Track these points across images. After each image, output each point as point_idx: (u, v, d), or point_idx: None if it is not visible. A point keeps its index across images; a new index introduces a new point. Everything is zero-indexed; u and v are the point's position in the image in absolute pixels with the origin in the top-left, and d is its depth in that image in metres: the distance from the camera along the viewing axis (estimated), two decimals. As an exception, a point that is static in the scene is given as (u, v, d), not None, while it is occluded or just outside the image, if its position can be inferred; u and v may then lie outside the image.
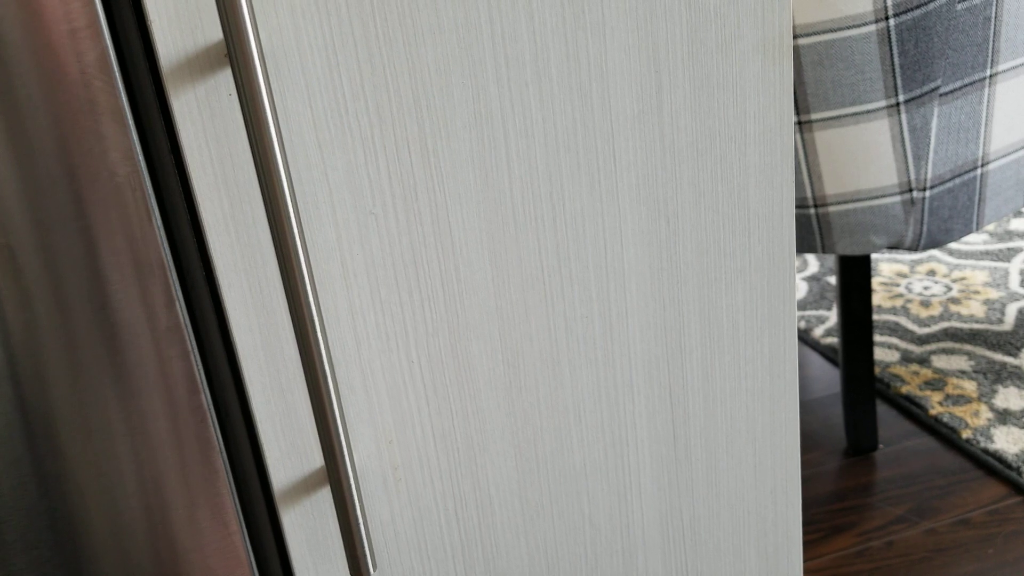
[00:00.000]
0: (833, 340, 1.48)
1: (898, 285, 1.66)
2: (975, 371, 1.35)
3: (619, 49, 0.51)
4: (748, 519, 0.64)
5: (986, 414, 1.24)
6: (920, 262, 1.74)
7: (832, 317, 1.56)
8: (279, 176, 0.44)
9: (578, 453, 0.58)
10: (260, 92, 0.43)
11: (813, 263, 1.79)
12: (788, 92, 0.54)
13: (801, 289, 1.69)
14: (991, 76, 1.00)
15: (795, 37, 0.95)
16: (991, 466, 1.16)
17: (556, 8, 0.49)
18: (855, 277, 1.15)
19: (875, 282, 1.67)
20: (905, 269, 1.72)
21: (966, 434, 1.21)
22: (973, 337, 1.45)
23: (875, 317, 1.55)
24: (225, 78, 0.45)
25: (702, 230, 0.56)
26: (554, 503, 0.58)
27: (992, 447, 1.18)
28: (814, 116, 0.99)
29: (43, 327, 0.45)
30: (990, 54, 0.98)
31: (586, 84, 0.51)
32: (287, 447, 0.52)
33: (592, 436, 0.58)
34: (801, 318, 1.58)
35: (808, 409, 1.34)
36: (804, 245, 1.08)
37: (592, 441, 0.58)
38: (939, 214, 1.04)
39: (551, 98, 0.50)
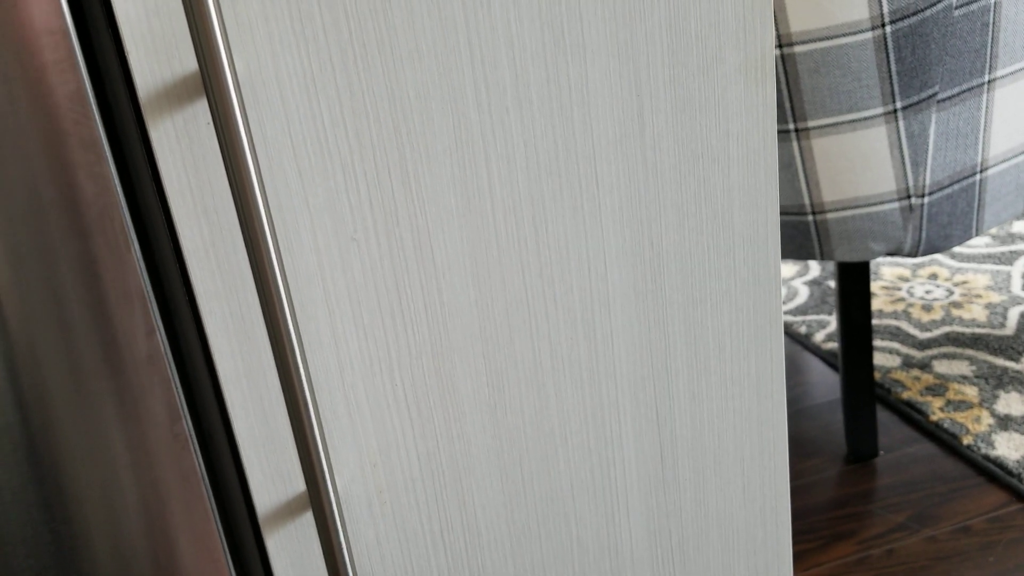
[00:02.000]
0: (834, 345, 1.48)
1: (899, 289, 1.65)
2: (976, 376, 1.35)
3: (600, 73, 0.50)
4: (737, 539, 0.63)
5: (987, 420, 1.24)
6: (922, 266, 1.73)
7: (833, 322, 1.55)
8: (256, 203, 0.44)
9: (565, 475, 0.58)
10: (236, 121, 0.43)
11: (814, 267, 1.79)
12: (771, 113, 0.54)
13: (802, 294, 1.69)
14: (989, 82, 0.99)
15: (791, 44, 0.94)
16: (992, 473, 1.15)
17: (536, 33, 0.49)
18: (854, 283, 1.14)
19: (876, 286, 1.67)
20: (907, 273, 1.71)
21: (967, 440, 1.21)
22: (975, 341, 1.45)
23: (876, 321, 1.55)
24: (203, 107, 0.45)
25: (686, 252, 0.55)
26: (541, 525, 0.58)
27: (993, 453, 1.17)
28: (811, 123, 0.98)
29: (19, 358, 0.45)
30: (988, 60, 0.98)
31: (567, 108, 0.50)
32: (271, 472, 0.52)
33: (579, 457, 0.58)
34: (802, 323, 1.57)
35: (808, 415, 1.34)
36: (802, 252, 1.08)
37: (579, 462, 0.58)
38: (938, 220, 1.03)
39: (532, 122, 0.50)
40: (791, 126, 0.99)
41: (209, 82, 0.42)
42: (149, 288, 0.46)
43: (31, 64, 0.41)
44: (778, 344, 0.59)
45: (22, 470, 0.47)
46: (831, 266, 1.78)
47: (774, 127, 0.54)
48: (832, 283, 1.71)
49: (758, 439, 0.61)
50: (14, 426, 0.46)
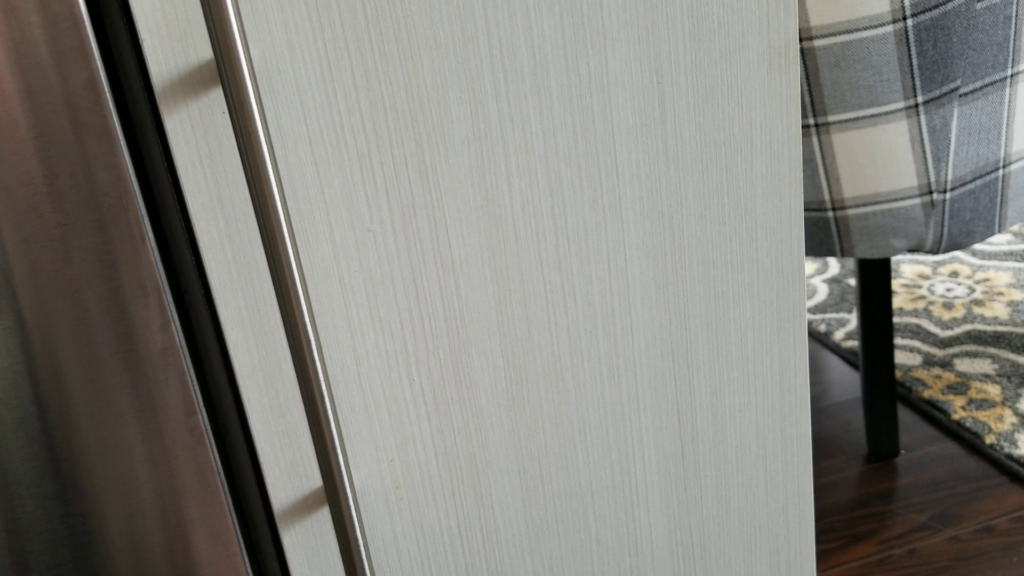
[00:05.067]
0: (854, 343, 1.46)
1: (920, 287, 1.64)
2: (999, 375, 1.33)
3: (620, 60, 0.50)
4: (760, 536, 0.62)
5: (1010, 419, 1.22)
6: (943, 263, 1.71)
7: (853, 320, 1.54)
8: (272, 194, 0.43)
9: (584, 471, 0.57)
10: (251, 110, 0.42)
11: (833, 265, 1.77)
12: (795, 101, 0.53)
13: (821, 291, 1.67)
14: (1012, 75, 0.98)
15: (811, 38, 0.93)
16: (1015, 472, 1.14)
17: (555, 20, 0.48)
18: (875, 280, 1.13)
19: (897, 284, 1.65)
20: (927, 270, 1.69)
21: (990, 439, 1.19)
22: (997, 340, 1.43)
23: (896, 319, 1.53)
24: (218, 96, 0.45)
25: (708, 243, 0.54)
26: (560, 521, 0.57)
27: (1016, 452, 1.16)
28: (831, 118, 0.97)
29: (34, 350, 0.44)
30: (1011, 53, 0.96)
31: (587, 96, 0.50)
32: (287, 467, 0.51)
33: (598, 453, 0.57)
34: (821, 321, 1.56)
35: (828, 414, 1.32)
36: (822, 249, 1.06)
37: (598, 458, 0.57)
38: (960, 216, 1.02)
39: (551, 111, 0.49)
40: (811, 121, 0.98)
41: (224, 71, 0.41)
42: (164, 280, 0.46)
43: (44, 52, 0.41)
44: (802, 337, 0.58)
45: (38, 464, 0.46)
46: (851, 263, 1.76)
47: (798, 115, 0.53)
48: (852, 281, 1.69)
49: (781, 435, 0.60)
50: (30, 419, 0.45)
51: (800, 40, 0.94)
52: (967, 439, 1.21)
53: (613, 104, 0.50)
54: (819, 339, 1.52)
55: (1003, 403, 1.26)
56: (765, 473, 0.61)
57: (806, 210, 1.05)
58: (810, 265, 1.79)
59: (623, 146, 0.51)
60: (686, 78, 0.51)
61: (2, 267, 0.43)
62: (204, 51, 0.44)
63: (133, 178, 0.44)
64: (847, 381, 1.40)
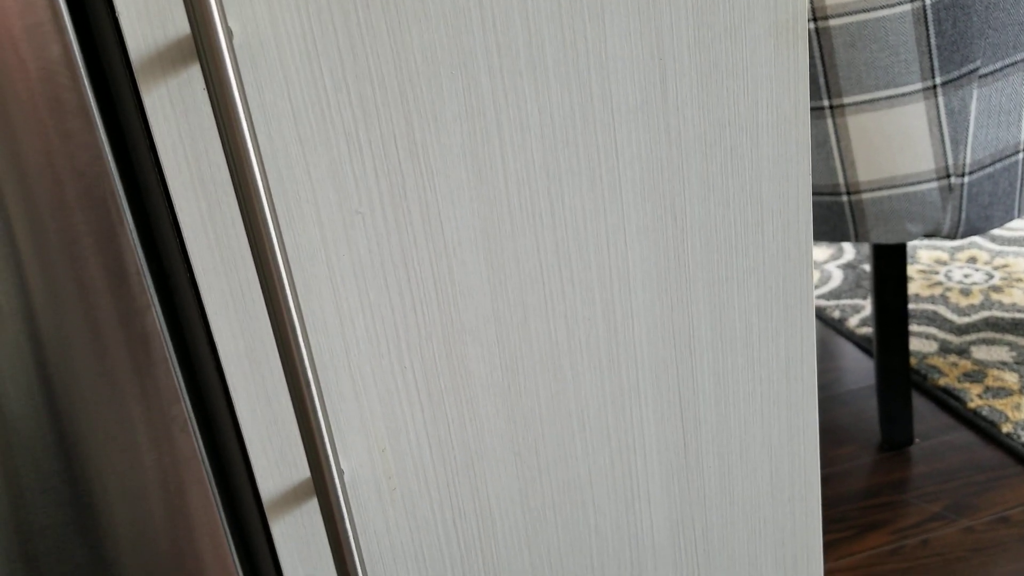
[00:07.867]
0: (868, 330, 1.44)
1: (937, 273, 1.61)
2: (1017, 362, 1.31)
3: (619, 35, 0.47)
4: (765, 528, 0.61)
5: (1028, 407, 1.20)
6: (960, 249, 1.68)
7: (867, 306, 1.51)
8: (253, 174, 0.41)
9: (582, 461, 0.55)
10: (230, 86, 0.40)
11: (848, 250, 1.75)
12: (804, 78, 0.50)
13: (836, 277, 1.65)
14: (1034, 55, 0.95)
15: (827, 18, 0.91)
16: (1033, 462, 1.12)
17: (551, -8, 0.46)
18: (890, 267, 1.11)
19: (913, 270, 1.62)
20: (944, 256, 1.66)
21: (1006, 428, 1.17)
22: (1015, 327, 1.40)
23: (912, 306, 1.50)
24: (198, 72, 0.43)
25: (711, 227, 0.52)
26: (558, 512, 0.56)
27: (1034, 442, 1.14)
28: (846, 100, 0.95)
29: (6, 335, 0.43)
30: (1033, 32, 0.94)
31: (584, 73, 0.48)
32: (275, 456, 0.50)
33: (597, 443, 0.55)
34: (835, 308, 1.53)
35: (841, 402, 1.30)
36: (837, 233, 1.04)
37: (597, 448, 0.55)
38: (978, 200, 1.00)
39: (547, 89, 0.47)
40: (825, 103, 0.96)
41: (202, 45, 0.40)
42: (144, 263, 0.44)
43: (14, 26, 0.39)
44: (809, 324, 0.56)
45: (16, 452, 0.45)
46: (866, 249, 1.74)
47: (806, 93, 0.50)
48: (867, 266, 1.66)
49: (787, 425, 0.58)
50: (11, 406, 0.44)
51: (815, 19, 0.92)
52: (983, 428, 1.19)
53: (612, 81, 0.48)
54: (833, 326, 1.49)
55: (1020, 391, 1.24)
56: (770, 463, 0.59)
57: (820, 194, 1.03)
58: (825, 251, 1.76)
59: (623, 125, 0.49)
60: (689, 54, 0.49)
61: (-25, 249, 0.42)
62: (182, 24, 0.42)
63: (110, 157, 0.42)
64: (861, 368, 1.38)
